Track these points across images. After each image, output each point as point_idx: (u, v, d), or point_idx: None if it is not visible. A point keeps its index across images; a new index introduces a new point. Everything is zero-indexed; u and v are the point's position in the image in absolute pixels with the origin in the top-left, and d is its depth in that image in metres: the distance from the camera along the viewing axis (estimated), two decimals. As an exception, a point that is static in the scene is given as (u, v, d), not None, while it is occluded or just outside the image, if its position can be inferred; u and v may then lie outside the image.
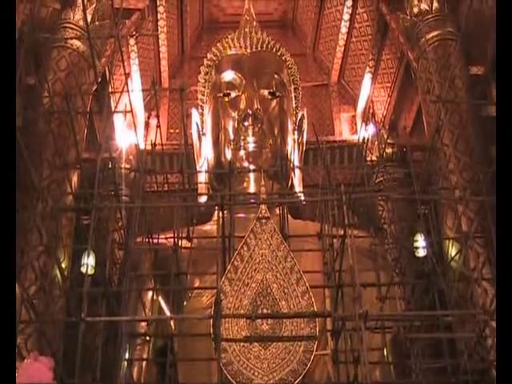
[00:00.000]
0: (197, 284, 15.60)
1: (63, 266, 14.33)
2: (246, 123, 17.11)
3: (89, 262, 13.06)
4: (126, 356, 14.49)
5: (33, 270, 13.43)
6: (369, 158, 19.92)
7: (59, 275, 13.75)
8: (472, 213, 14.96)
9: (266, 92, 18.01)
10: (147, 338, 14.90)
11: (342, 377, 13.46)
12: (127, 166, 19.06)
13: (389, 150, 20.14)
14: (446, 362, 13.28)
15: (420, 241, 16.76)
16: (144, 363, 14.87)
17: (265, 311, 9.97)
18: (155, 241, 15.12)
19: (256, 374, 9.58)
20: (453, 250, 15.58)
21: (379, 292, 15.03)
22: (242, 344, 9.75)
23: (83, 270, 14.33)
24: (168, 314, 14.89)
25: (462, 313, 13.97)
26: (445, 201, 16.05)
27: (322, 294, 14.24)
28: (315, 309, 10.31)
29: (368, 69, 22.01)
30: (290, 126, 18.58)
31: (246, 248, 10.54)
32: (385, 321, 14.33)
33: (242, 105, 17.45)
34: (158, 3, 21.29)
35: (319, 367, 14.33)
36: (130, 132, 16.84)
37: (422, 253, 16.71)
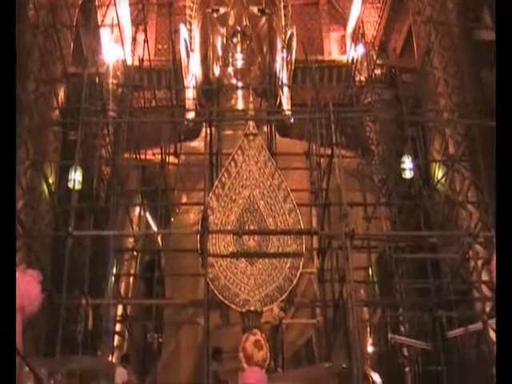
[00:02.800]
0: (184, 200, 15.67)
1: (50, 181, 14.29)
2: (234, 40, 16.94)
3: (76, 178, 13.03)
4: (114, 271, 14.64)
5: (20, 186, 13.37)
6: (358, 79, 19.75)
7: (46, 190, 13.72)
8: (459, 136, 14.94)
9: (255, 9, 17.76)
10: (134, 253, 15.03)
11: (328, 295, 13.67)
12: (114, 82, 18.83)
13: (378, 71, 19.97)
14: (429, 282, 13.49)
15: (407, 163, 16.77)
16: (131, 278, 15.03)
17: (252, 227, 9.99)
18: (142, 157, 15.13)
19: (242, 289, 9.66)
20: (439, 173, 15.64)
21: (365, 212, 15.16)
22: (228, 260, 9.80)
23: (70, 185, 14.29)
24: (155, 229, 15.00)
25: (447, 234, 14.08)
26: (433, 123, 16.03)
27: (309, 213, 14.33)
28: (302, 226, 10.33)
29: (359, -12, 21.64)
30: (279, 44, 18.40)
31: (233, 164, 10.49)
32: (371, 240, 14.47)
33: (231, 21, 17.23)
34: None
35: (305, 285, 14.54)
36: (117, 47, 16.60)
37: (408, 175, 16.74)
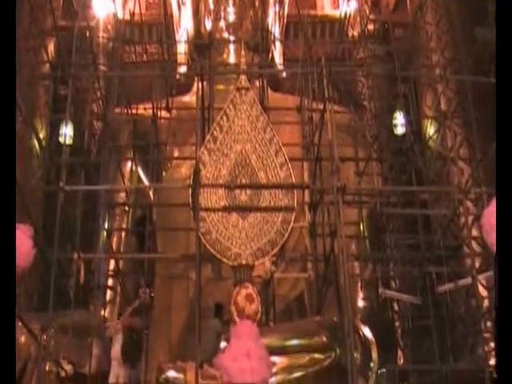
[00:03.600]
0: (176, 155, 15.65)
1: (41, 136, 14.23)
2: (226, -7, 16.80)
3: (67, 133, 12.98)
4: (106, 226, 14.68)
5: (10, 140, 13.29)
6: (350, 34, 19.59)
7: (37, 145, 13.66)
8: (452, 92, 14.88)
9: (247, -39, 17.54)
10: (126, 208, 15.02)
11: (319, 249, 13.76)
12: (105, 36, 18.60)
13: (371, 27, 19.78)
14: (420, 238, 13.56)
15: (399, 118, 16.74)
16: (123, 233, 15.05)
17: (243, 181, 10.00)
18: (134, 112, 15.06)
19: (234, 243, 9.70)
20: (431, 129, 15.66)
21: (357, 167, 15.17)
22: (220, 214, 9.81)
23: (61, 140, 14.25)
24: (147, 184, 14.99)
25: (438, 190, 14.13)
26: (425, 79, 15.98)
27: (301, 167, 14.34)
28: (293, 181, 10.34)
29: None
30: (272, -2, 18.22)
31: (225, 119, 10.45)
32: (362, 195, 14.52)
33: (223, -26, 17.04)
34: None
35: (296, 239, 14.59)
36: (107, 0, 16.39)
37: (400, 130, 16.74)
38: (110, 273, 14.33)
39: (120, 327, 12.43)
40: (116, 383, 12.07)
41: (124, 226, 15.18)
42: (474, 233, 12.84)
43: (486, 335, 12.40)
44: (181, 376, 10.44)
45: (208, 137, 10.25)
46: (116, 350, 12.32)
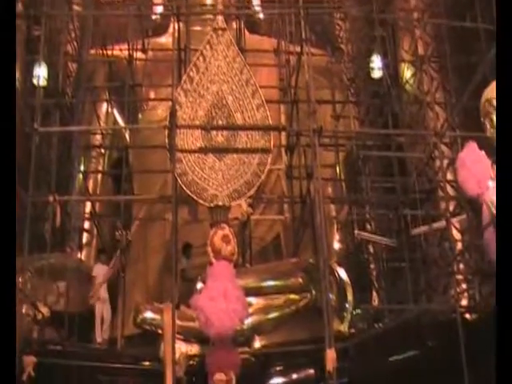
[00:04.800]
0: (152, 96, 15.53)
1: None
2: None
3: (41, 74, 12.80)
4: (81, 168, 14.60)
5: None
6: (328, -25, 19.38)
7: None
8: (429, 37, 14.86)
9: None
10: (102, 150, 14.94)
11: (295, 191, 13.83)
12: (79, -27, 18.26)
13: (348, -32, 19.58)
14: (395, 181, 13.65)
15: (376, 62, 16.66)
16: (99, 175, 14.99)
17: (220, 123, 9.93)
18: (109, 53, 14.86)
19: (210, 184, 9.65)
20: (408, 73, 15.64)
21: (334, 110, 15.17)
22: (196, 155, 9.72)
23: (35, 81, 14.04)
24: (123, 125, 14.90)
25: (414, 133, 14.16)
26: (402, 23, 15.88)
27: (277, 109, 14.31)
28: (270, 122, 10.30)
29: None
30: None
31: (201, 59, 10.31)
32: (338, 138, 14.55)
33: None
34: None
35: (273, 181, 14.64)
36: None
37: (377, 74, 16.67)
38: (86, 215, 14.31)
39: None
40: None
41: (100, 168, 15.13)
42: (449, 176, 12.93)
43: (459, 277, 12.59)
44: (158, 317, 10.53)
45: (184, 77, 10.10)
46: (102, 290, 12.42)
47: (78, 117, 13.42)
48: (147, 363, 10.46)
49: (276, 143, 12.04)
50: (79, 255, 14.02)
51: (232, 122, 9.88)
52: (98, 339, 12.25)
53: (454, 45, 13.34)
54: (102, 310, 12.37)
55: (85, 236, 14.50)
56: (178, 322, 9.08)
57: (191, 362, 9.93)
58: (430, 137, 12.63)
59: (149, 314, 10.68)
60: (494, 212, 8.79)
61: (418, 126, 14.43)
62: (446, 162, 13.05)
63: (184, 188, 9.62)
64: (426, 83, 14.39)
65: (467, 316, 11.42)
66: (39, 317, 10.46)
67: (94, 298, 12.26)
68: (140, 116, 15.26)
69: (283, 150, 14.19)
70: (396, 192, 13.55)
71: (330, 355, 9.00)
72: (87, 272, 12.70)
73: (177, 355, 9.05)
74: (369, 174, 14.66)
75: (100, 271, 12.43)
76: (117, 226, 13.16)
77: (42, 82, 13.11)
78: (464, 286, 12.62)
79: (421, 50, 14.87)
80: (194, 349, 10.15)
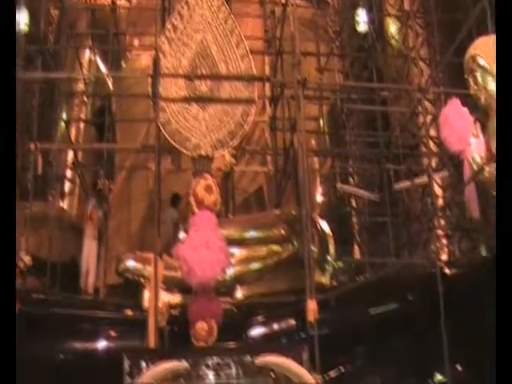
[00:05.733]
0: (136, 45, 15.35)
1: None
2: None
3: (22, 20, 12.60)
4: (64, 116, 14.44)
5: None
6: None
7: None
8: (415, -8, 14.79)
9: None
10: (85, 98, 14.79)
11: (279, 143, 13.82)
12: None
13: None
14: (379, 135, 13.66)
15: (361, 15, 16.54)
16: (82, 124, 14.87)
17: (204, 72, 9.85)
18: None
19: (194, 134, 9.59)
20: (393, 28, 15.57)
21: (319, 63, 15.07)
22: (180, 104, 9.68)
23: (16, 27, 13.81)
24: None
25: (398, 88, 14.15)
26: (388, -23, 15.78)
27: (262, 60, 14.22)
28: (254, 73, 10.23)
29: None
30: None
31: (185, 7, 10.17)
32: (323, 91, 14.49)
33: None
34: None
35: (257, 133, 14.61)
36: None
37: (362, 28, 16.56)
38: (69, 164, 14.22)
39: None
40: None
41: (83, 116, 14.99)
42: (432, 132, 12.97)
43: (439, 232, 12.69)
44: (140, 266, 10.56)
45: (168, 25, 10.00)
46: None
47: (60, 63, 13.24)
48: (130, 312, 10.51)
49: (260, 94, 11.99)
50: (61, 204, 13.96)
51: (216, 72, 9.81)
52: (86, 287, 12.27)
53: (440, 1, 13.28)
54: (89, 259, 12.39)
55: (67, 185, 14.42)
56: (160, 271, 9.12)
57: (173, 312, 9.98)
58: (414, 92, 12.67)
59: (131, 263, 10.69)
60: (475, 168, 8.88)
61: (403, 81, 14.41)
62: (429, 117, 13.08)
63: (167, 137, 9.58)
64: (411, 38, 14.32)
65: (446, 271, 11.59)
66: (21, 266, 10.47)
67: None
68: (124, 65, 15.11)
69: (267, 101, 14.15)
70: (379, 146, 13.59)
71: (311, 306, 9.07)
72: (69, 221, 12.69)
73: (159, 304, 9.08)
74: (352, 128, 14.65)
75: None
76: (99, 175, 13.14)
77: (24, 28, 12.91)
78: (444, 241, 12.72)
79: (406, 5, 14.78)
80: (176, 298, 10.21)
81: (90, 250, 12.39)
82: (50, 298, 10.49)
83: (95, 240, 12.51)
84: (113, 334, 10.09)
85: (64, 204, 14.08)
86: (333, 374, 10.04)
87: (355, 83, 14.51)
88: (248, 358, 6.93)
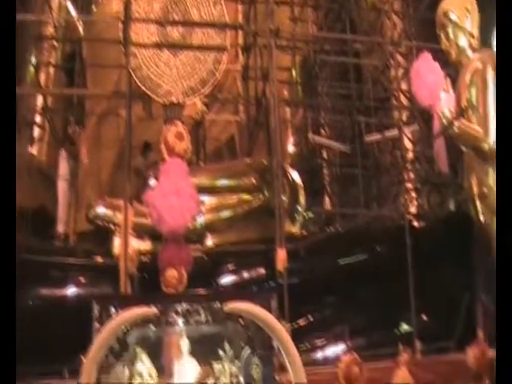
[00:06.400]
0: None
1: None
2: None
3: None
4: (33, 60, 14.17)
5: None
6: None
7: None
8: None
9: None
10: (54, 42, 14.52)
11: (251, 93, 13.75)
12: None
13: None
14: (351, 87, 13.65)
15: (335, -34, 16.32)
16: (51, 69, 14.60)
17: (176, 18, 9.73)
18: None
19: (165, 80, 9.51)
20: (367, -20, 15.42)
21: (292, 13, 14.91)
22: (151, 50, 9.57)
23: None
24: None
25: (371, 40, 14.08)
26: None
27: (235, 8, 14.06)
28: (227, 20, 10.13)
29: None
30: None
31: (158, -49, 10.05)
32: (296, 41, 14.38)
33: None
34: None
35: (229, 82, 14.49)
36: None
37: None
38: (38, 109, 14.02)
39: None
40: None
41: (52, 61, 14.71)
42: (403, 86, 12.98)
43: (408, 185, 12.80)
44: (110, 213, 10.54)
45: (139, -31, 9.84)
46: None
47: (29, 5, 12.96)
48: (100, 259, 10.51)
49: (233, 43, 11.91)
50: (31, 150, 13.80)
51: (188, 18, 9.69)
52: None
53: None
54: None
55: (36, 131, 14.23)
56: (131, 218, 9.10)
57: (143, 258, 10.00)
58: (387, 45, 12.67)
59: (101, 209, 10.68)
60: (445, 123, 8.94)
61: (376, 34, 14.34)
62: (400, 71, 13.10)
63: (138, 83, 9.49)
64: (386, -9, 14.22)
65: (415, 223, 11.73)
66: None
67: None
68: (94, 8, 14.84)
69: (240, 50, 14.03)
70: (351, 98, 13.58)
71: (281, 255, 9.17)
72: (39, 167, 12.56)
73: (129, 251, 9.08)
74: (325, 79, 14.58)
75: None
76: (69, 121, 12.99)
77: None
78: (413, 194, 12.84)
79: (381, -43, 14.64)
80: (146, 245, 10.24)
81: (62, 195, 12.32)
82: (19, 243, 10.42)
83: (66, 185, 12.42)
84: (83, 280, 10.12)
85: (33, 150, 13.90)
86: (301, 322, 10.20)
87: (328, 34, 14.41)
88: (217, 305, 6.96)
